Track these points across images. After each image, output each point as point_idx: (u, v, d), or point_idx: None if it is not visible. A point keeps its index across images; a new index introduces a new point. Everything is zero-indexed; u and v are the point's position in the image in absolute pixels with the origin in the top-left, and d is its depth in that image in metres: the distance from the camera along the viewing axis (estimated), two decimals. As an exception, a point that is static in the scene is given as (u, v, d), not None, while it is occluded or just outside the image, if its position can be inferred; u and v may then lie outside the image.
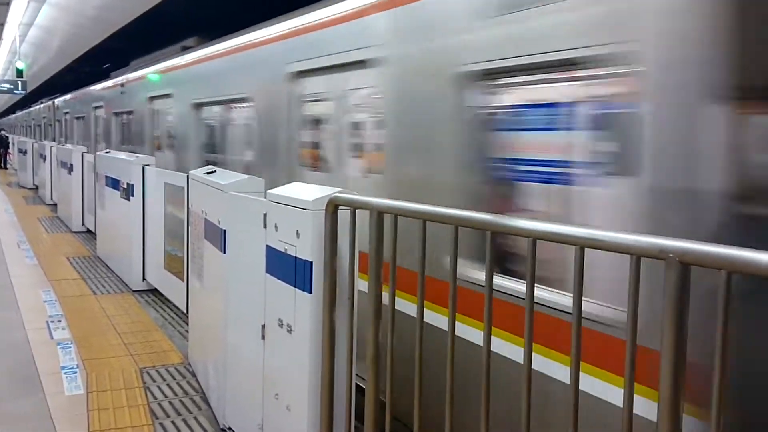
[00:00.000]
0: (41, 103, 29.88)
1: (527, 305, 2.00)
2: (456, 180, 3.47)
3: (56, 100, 23.31)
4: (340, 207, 2.90)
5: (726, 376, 1.47)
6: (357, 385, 3.06)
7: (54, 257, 9.43)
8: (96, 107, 15.27)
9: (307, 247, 3.03)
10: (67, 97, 21.03)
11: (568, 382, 1.85)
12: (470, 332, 3.10)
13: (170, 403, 4.50)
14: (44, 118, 27.11)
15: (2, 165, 30.87)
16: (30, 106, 36.51)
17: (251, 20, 6.64)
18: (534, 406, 2.04)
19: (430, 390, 2.61)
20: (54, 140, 21.67)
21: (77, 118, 18.42)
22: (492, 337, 2.18)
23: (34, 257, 9.33)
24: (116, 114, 13.01)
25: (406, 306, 3.13)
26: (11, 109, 54.27)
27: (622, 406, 1.68)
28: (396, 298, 2.72)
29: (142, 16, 12.17)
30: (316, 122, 5.27)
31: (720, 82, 2.18)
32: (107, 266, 8.88)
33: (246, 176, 4.15)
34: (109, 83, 14.02)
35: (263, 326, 3.48)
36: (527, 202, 3.27)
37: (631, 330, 1.68)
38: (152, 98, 10.13)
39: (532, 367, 2.02)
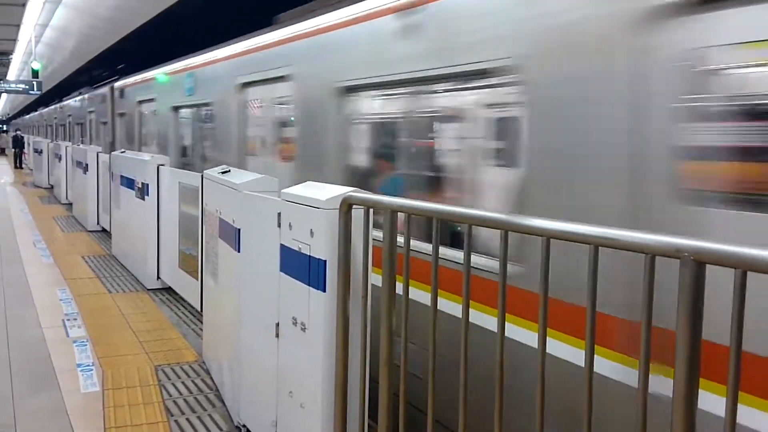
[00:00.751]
0: (80, 93, 21.18)
1: (541, 302, 2.01)
2: None
3: (119, 84, 13.95)
4: (354, 206, 2.92)
5: (739, 371, 1.47)
6: (371, 377, 3.06)
7: (69, 256, 9.52)
8: (247, 84, 6.97)
9: (321, 246, 3.06)
10: (148, 75, 11.54)
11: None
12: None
13: (185, 400, 4.54)
14: (91, 112, 17.91)
15: (18, 165, 31.20)
16: (60, 100, 27.38)
17: (268, 20, 6.66)
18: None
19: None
20: (113, 147, 13.46)
21: (179, 108, 9.77)
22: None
23: (50, 256, 9.43)
24: (348, 89, 4.94)
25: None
26: (32, 107, 47.26)
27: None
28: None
29: (157, 18, 12.25)
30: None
31: None
32: (122, 265, 8.96)
33: (260, 175, 4.18)
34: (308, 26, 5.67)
35: (277, 324, 3.50)
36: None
37: (646, 328, 1.68)
38: None
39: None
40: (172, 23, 12.00)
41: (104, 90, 15.62)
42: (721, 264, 1.50)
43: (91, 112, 18.14)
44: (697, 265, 1.54)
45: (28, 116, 48.79)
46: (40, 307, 6.71)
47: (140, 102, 12.07)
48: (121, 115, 13.96)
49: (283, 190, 3.48)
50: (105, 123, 15.58)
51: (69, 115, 23.33)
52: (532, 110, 3.17)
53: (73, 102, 22.74)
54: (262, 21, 6.77)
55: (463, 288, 2.35)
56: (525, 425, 2.59)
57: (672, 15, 2.48)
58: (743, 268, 1.47)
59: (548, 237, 1.98)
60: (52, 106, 29.90)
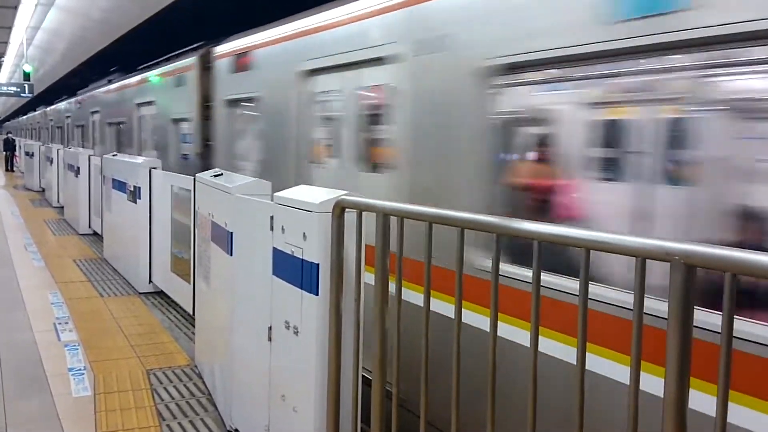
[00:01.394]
0: (110, 81, 14.85)
1: (533, 305, 2.02)
2: None
3: (230, 46, 7.07)
4: (346, 209, 2.92)
5: (729, 375, 1.48)
6: (364, 377, 3.06)
7: (61, 259, 9.48)
8: None
9: (314, 250, 3.05)
10: (368, 5, 4.57)
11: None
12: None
13: (177, 404, 4.52)
14: (143, 105, 11.11)
15: (9, 167, 31.05)
16: (74, 94, 20.62)
17: (260, 22, 6.65)
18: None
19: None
20: (208, 167, 6.90)
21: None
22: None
23: (41, 259, 9.38)
24: None
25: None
26: (32, 106, 39.50)
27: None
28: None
29: (149, 20, 12.23)
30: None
31: None
32: (114, 269, 8.92)
33: (253, 179, 4.18)
34: None
35: (270, 328, 3.50)
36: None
37: (636, 330, 1.69)
38: None
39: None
40: (165, 25, 11.98)
41: (183, 64, 9.02)
42: (711, 267, 1.51)
43: (141, 104, 11.29)
44: (687, 268, 1.55)
45: (25, 117, 41.22)
46: (31, 311, 6.67)
47: (312, 72, 5.41)
48: (236, 103, 7.15)
49: (275, 194, 3.48)
50: (182, 121, 9.10)
51: (93, 112, 15.81)
52: None
53: (99, 93, 15.22)
54: (261, 19, 6.69)
55: (455, 289, 2.36)
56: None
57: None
58: (734, 271, 1.48)
59: (540, 240, 1.99)
60: (63, 103, 22.38)
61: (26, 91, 27.48)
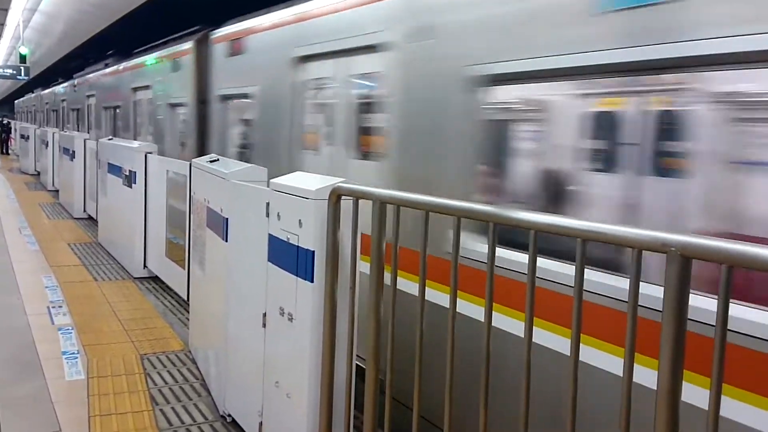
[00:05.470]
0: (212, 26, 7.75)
1: (528, 293, 2.02)
2: None
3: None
4: (342, 197, 2.91)
5: (723, 367, 1.48)
6: (358, 367, 3.07)
7: (55, 243, 9.45)
8: None
9: (310, 237, 3.05)
10: None
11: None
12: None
13: (170, 389, 4.53)
14: (64, 101, 11.39)
15: (4, 150, 30.91)
16: (104, 64, 14.69)
17: (260, 5, 6.59)
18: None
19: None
20: None
21: None
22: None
23: (35, 243, 9.35)
24: None
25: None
26: (44, 80, 30.09)
27: None
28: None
29: (146, 4, 12.14)
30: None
31: None
32: (108, 253, 8.90)
33: (249, 165, 4.16)
34: None
35: (264, 314, 3.50)
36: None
37: (631, 322, 1.69)
38: None
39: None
40: (163, 8, 11.89)
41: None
42: (708, 259, 1.51)
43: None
44: (683, 259, 1.54)
45: (33, 95, 32.75)
46: (25, 295, 6.65)
47: None
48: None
49: (272, 180, 3.46)
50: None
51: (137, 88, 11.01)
52: None
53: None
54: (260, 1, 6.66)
55: (450, 279, 2.35)
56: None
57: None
58: (730, 263, 1.47)
59: (536, 230, 1.98)
60: (113, 67, 13.86)
61: (22, 74, 27.30)
